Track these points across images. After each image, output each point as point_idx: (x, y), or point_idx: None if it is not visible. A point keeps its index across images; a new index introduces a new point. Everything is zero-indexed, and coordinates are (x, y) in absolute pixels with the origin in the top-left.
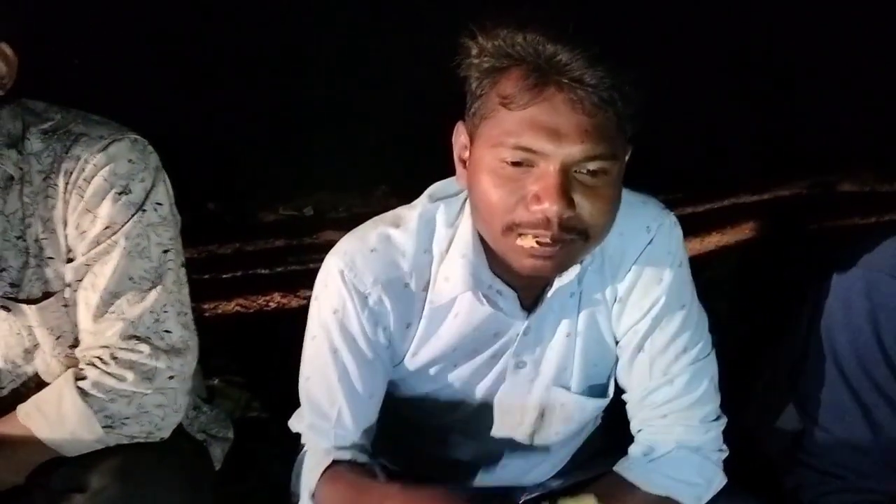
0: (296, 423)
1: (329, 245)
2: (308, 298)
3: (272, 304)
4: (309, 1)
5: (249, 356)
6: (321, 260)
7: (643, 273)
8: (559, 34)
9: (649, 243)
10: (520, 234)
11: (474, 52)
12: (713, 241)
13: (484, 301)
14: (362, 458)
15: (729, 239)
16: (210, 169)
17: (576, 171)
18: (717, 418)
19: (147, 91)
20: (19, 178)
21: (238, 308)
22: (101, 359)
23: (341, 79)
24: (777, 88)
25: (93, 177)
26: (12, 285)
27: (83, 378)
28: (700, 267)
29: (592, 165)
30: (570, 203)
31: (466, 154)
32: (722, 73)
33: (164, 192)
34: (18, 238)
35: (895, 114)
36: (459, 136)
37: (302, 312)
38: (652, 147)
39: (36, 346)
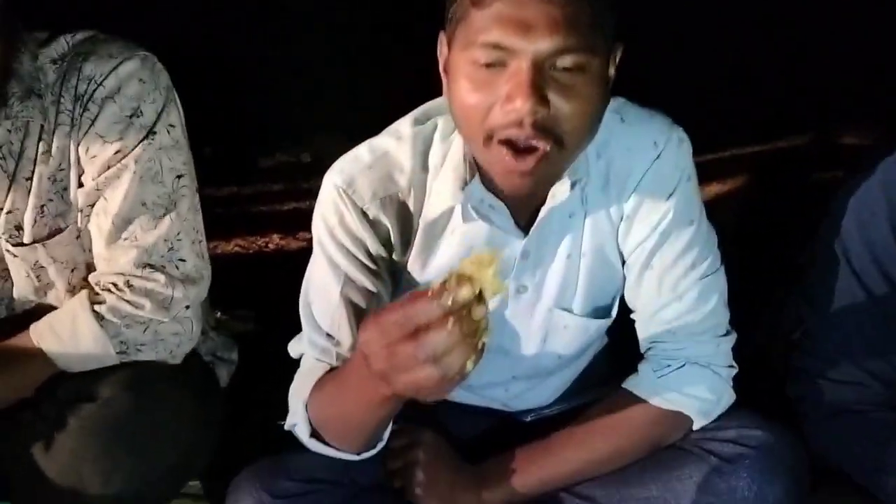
0: (295, 346)
1: None
2: (307, 240)
3: (271, 246)
4: None
5: (249, 295)
6: None
7: (651, 189)
8: None
9: (657, 158)
10: (498, 143)
11: None
12: (713, 190)
13: (474, 215)
14: None
15: (730, 188)
16: (206, 113)
17: (551, 69)
18: (727, 334)
19: (141, 35)
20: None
21: (237, 248)
22: (116, 285)
23: (338, 23)
24: (780, 39)
25: (102, 98)
26: (18, 228)
27: (99, 302)
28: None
29: (567, 60)
30: (542, 100)
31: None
32: (723, 18)
33: (176, 114)
34: (27, 179)
35: None
36: (442, 46)
37: (301, 254)
38: (652, 97)
39: (48, 284)
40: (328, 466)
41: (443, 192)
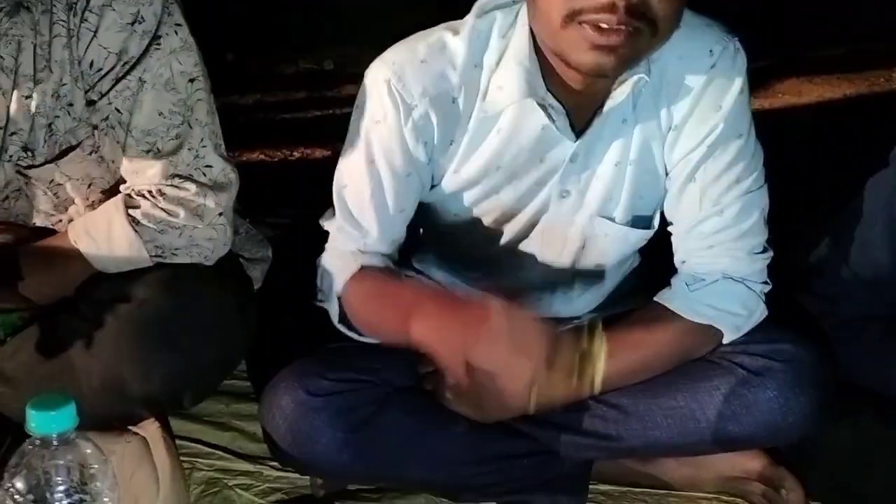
0: (327, 222)
1: (351, 99)
2: (333, 149)
3: (296, 155)
4: None
5: (275, 204)
6: (344, 113)
7: (702, 99)
8: None
9: (711, 67)
10: (580, 23)
11: None
12: (763, 103)
13: (540, 109)
14: (391, 268)
15: (781, 102)
16: (228, 18)
17: None
18: (764, 251)
19: None
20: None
21: (262, 157)
22: (150, 192)
23: None
24: None
25: (100, 7)
26: (25, 149)
27: (134, 206)
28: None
29: None
30: None
31: None
32: None
33: (178, 13)
34: (27, 98)
35: None
36: None
37: (327, 162)
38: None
39: (66, 200)
40: (363, 367)
41: (504, 86)
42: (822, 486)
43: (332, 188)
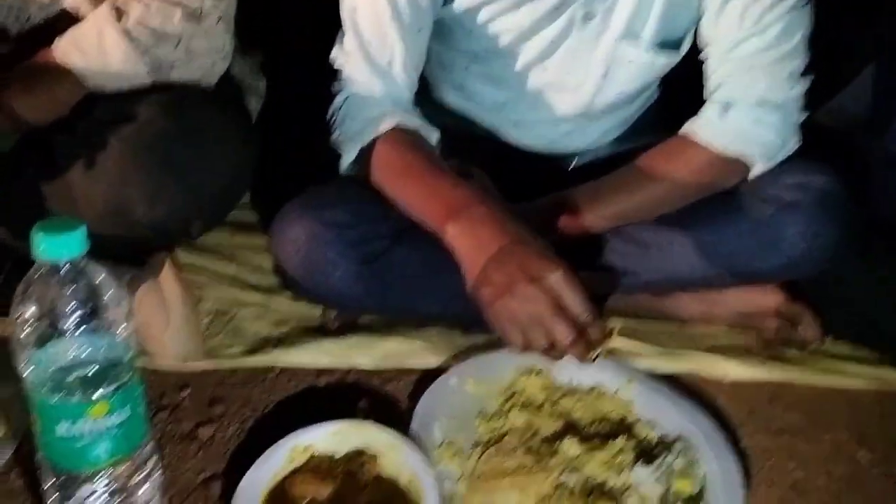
0: (341, 57)
1: None
2: None
3: None
4: None
5: (264, 31)
6: None
7: None
8: None
9: None
10: None
11: None
12: None
13: None
14: (425, 127)
15: None
16: None
17: None
18: (804, 74)
19: None
20: None
21: None
22: None
23: None
24: None
25: None
26: None
27: (125, 15)
28: None
29: None
30: None
31: None
32: None
33: None
34: None
35: None
36: None
37: None
38: None
39: None
40: (377, 200)
41: None
42: (842, 322)
43: (328, 12)
